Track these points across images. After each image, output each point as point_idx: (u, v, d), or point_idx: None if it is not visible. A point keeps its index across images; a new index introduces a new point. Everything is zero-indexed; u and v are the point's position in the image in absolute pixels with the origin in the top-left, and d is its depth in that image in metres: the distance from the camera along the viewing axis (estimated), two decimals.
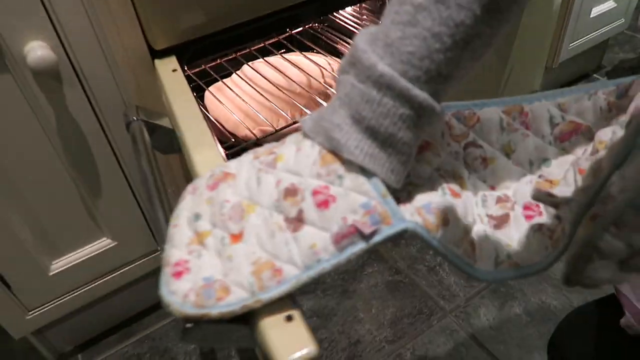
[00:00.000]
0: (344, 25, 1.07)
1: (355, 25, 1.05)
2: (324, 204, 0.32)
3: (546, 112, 0.42)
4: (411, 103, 0.31)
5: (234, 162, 0.37)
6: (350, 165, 0.32)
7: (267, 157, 0.35)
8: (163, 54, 0.64)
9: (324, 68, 0.95)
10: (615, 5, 1.35)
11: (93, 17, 0.58)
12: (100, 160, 0.68)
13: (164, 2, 0.60)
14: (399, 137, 0.32)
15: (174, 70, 0.63)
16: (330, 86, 0.91)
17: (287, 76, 0.91)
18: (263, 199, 0.33)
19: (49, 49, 0.55)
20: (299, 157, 0.34)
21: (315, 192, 0.32)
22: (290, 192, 0.33)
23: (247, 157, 0.37)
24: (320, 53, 1.02)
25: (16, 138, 0.61)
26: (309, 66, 0.95)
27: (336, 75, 1.00)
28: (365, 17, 1.00)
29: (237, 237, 0.33)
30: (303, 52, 0.98)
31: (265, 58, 0.94)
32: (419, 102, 0.31)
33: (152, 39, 0.62)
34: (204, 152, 0.48)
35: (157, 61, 0.64)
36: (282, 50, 1.01)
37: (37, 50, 0.54)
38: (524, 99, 0.42)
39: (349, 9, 1.01)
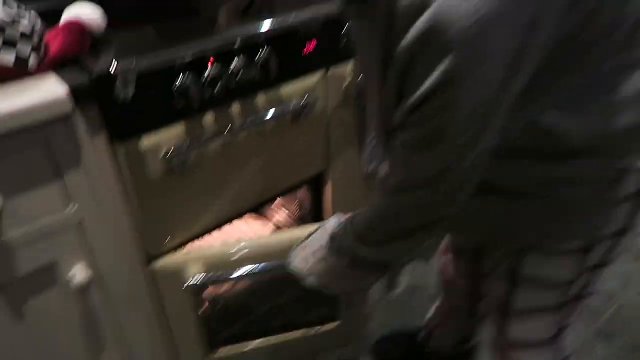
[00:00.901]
0: None
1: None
2: None
3: None
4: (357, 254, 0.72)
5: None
6: None
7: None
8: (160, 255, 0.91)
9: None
10: None
11: (114, 240, 0.84)
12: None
13: (167, 229, 0.89)
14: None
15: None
16: None
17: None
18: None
19: (87, 268, 0.81)
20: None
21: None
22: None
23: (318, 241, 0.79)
24: (256, 215, 1.35)
25: (60, 322, 0.83)
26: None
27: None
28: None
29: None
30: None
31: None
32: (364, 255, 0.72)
33: (154, 251, 0.89)
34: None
35: (160, 260, 0.90)
36: None
37: (80, 271, 0.80)
38: None
39: None
